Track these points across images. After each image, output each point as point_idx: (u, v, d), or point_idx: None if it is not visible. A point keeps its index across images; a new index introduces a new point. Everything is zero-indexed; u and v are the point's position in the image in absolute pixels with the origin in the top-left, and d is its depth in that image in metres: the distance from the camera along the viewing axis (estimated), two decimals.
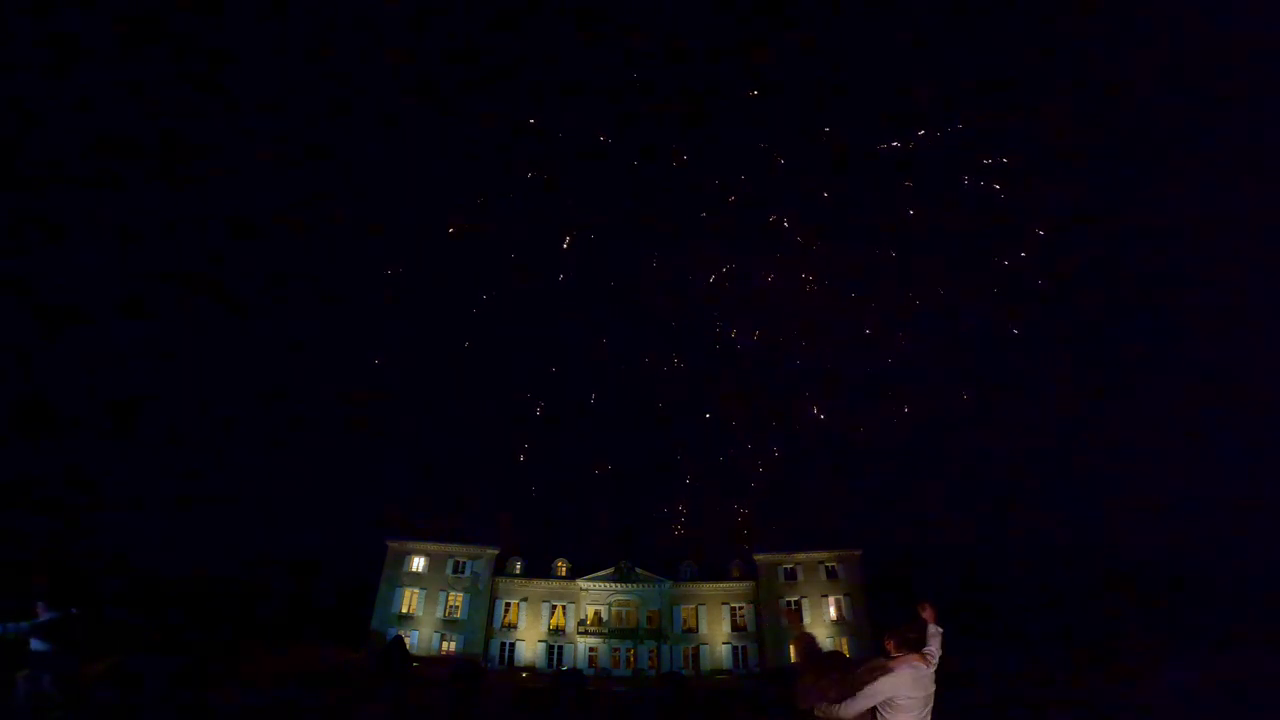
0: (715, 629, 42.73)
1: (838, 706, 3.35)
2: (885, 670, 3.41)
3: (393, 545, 43.03)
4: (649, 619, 42.81)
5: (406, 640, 37.51)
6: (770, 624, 42.02)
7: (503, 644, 41.66)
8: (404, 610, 41.30)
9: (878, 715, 3.40)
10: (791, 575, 43.49)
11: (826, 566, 43.46)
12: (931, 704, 3.50)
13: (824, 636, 41.36)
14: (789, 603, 42.70)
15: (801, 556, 43.74)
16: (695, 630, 42.77)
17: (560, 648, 41.68)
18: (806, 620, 41.97)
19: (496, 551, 43.74)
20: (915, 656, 3.47)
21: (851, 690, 3.32)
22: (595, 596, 43.44)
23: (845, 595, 42.56)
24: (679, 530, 47.83)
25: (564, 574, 43.99)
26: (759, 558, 44.08)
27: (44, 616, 6.63)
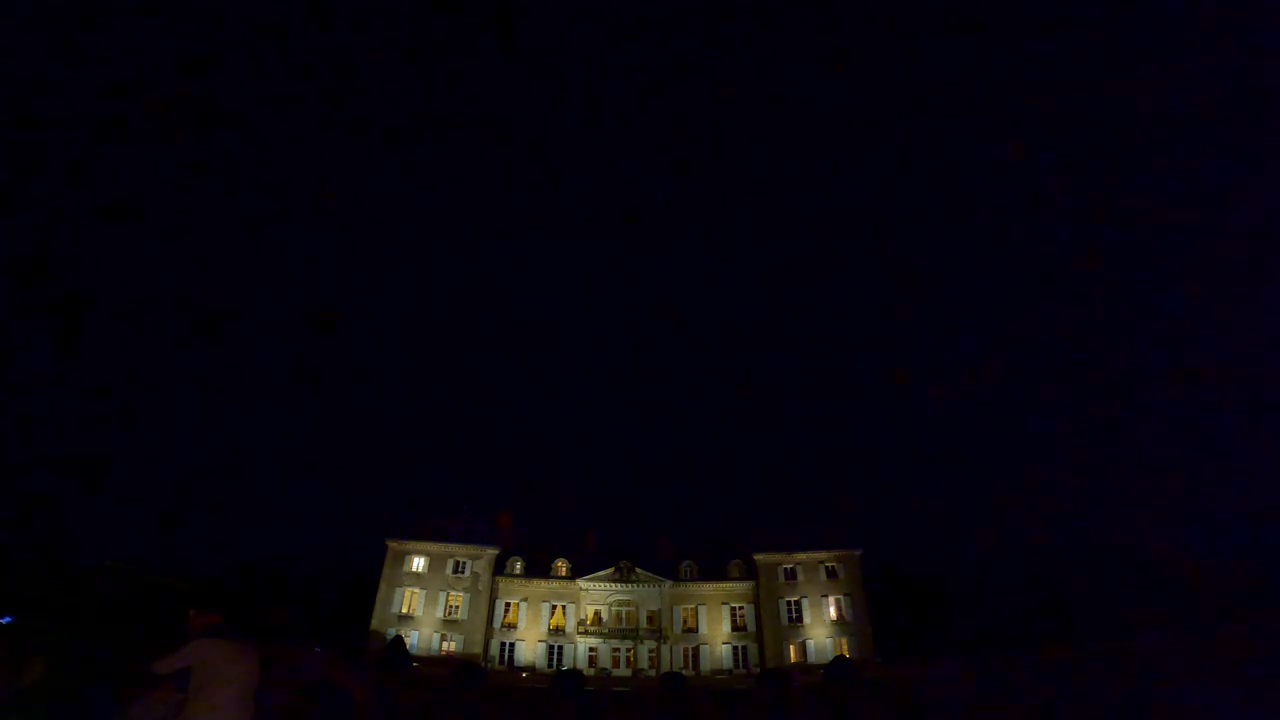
0: (715, 629, 42.67)
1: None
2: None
3: (393, 545, 42.99)
4: (649, 619, 42.75)
5: (406, 640, 37.62)
6: (770, 624, 41.99)
7: (503, 644, 41.60)
8: (404, 610, 41.26)
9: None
10: (791, 575, 43.42)
11: (826, 566, 43.41)
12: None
13: (824, 636, 41.37)
14: (789, 603, 42.65)
15: (801, 556, 43.69)
16: (695, 630, 42.70)
17: (560, 648, 41.62)
18: (807, 620, 41.96)
19: (496, 551, 43.69)
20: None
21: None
22: (595, 596, 43.39)
23: (845, 595, 42.53)
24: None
25: (564, 574, 43.92)
26: (759, 558, 44.01)
27: None
